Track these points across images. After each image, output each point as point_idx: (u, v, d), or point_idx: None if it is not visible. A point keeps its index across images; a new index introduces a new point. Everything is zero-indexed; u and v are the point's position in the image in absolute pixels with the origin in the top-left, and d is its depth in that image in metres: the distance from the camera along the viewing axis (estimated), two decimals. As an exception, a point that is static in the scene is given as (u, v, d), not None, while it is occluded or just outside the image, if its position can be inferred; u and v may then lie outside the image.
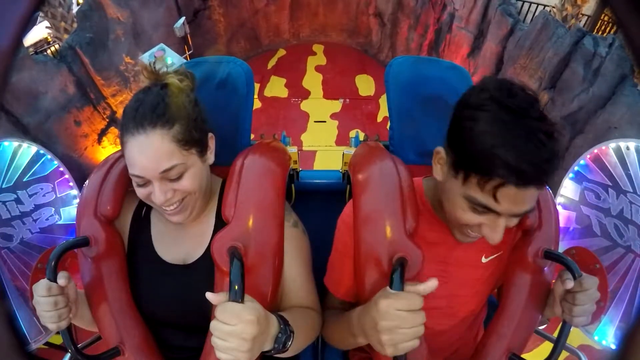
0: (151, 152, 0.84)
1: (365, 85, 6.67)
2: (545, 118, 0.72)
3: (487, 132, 0.72)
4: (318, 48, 7.29)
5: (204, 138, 0.94)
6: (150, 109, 0.85)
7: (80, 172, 3.66)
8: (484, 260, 0.96)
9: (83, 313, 0.93)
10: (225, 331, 0.67)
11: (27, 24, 0.34)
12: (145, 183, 0.87)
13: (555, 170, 0.72)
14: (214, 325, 0.69)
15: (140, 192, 0.89)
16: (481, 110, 0.74)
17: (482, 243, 0.93)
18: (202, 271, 0.94)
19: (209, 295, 0.71)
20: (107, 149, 4.65)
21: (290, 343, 0.79)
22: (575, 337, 2.81)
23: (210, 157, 0.96)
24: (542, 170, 0.71)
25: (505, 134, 0.70)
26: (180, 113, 0.88)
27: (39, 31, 5.63)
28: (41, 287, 0.80)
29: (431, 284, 0.72)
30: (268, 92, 6.51)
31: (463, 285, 0.97)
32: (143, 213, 1.02)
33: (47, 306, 0.80)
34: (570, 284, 0.82)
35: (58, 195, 2.92)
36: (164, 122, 0.85)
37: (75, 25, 4.53)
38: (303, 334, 0.87)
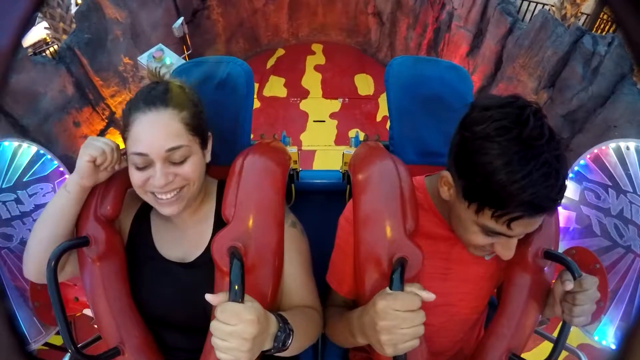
0: (161, 128, 0.86)
1: (364, 84, 6.66)
2: (554, 137, 0.72)
3: (501, 168, 0.71)
4: (317, 47, 7.29)
5: (206, 133, 0.96)
6: (163, 92, 0.90)
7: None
8: (487, 257, 0.97)
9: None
10: (225, 331, 0.67)
11: (27, 24, 0.34)
12: (146, 165, 0.86)
13: (565, 190, 0.73)
14: (214, 325, 0.69)
15: (137, 177, 0.88)
16: (490, 141, 0.73)
17: None
18: (202, 270, 0.94)
19: (208, 297, 0.71)
20: (106, 150, 4.64)
21: (290, 341, 0.79)
22: (575, 337, 2.81)
23: (208, 155, 0.97)
24: (557, 201, 0.73)
25: (520, 169, 0.70)
26: (189, 102, 0.92)
27: (38, 32, 5.63)
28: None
29: (427, 295, 0.73)
30: (267, 92, 6.50)
31: (465, 282, 0.97)
32: (144, 213, 1.03)
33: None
34: (570, 286, 0.82)
35: (58, 196, 2.91)
36: (175, 104, 0.89)
37: (74, 25, 4.52)
38: (303, 332, 0.87)
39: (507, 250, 0.82)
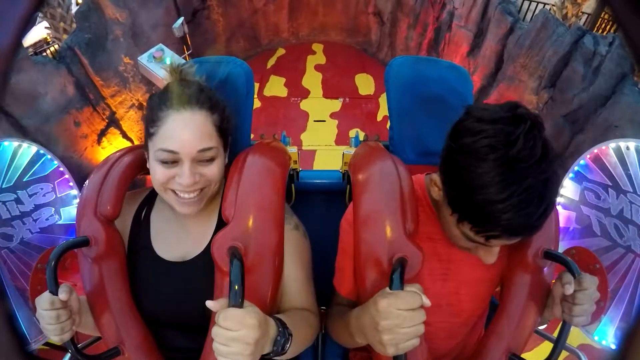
0: (195, 128, 0.87)
1: (364, 84, 6.66)
2: (546, 157, 0.69)
3: (482, 188, 0.71)
4: (317, 47, 7.28)
5: (229, 136, 0.99)
6: (197, 92, 0.91)
7: (80, 173, 3.66)
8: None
9: (87, 320, 0.93)
10: (228, 337, 0.68)
11: (27, 24, 0.34)
12: (174, 162, 0.87)
13: (548, 215, 0.72)
14: (215, 331, 0.69)
15: (161, 174, 0.88)
16: (476, 158, 0.71)
17: None
18: (200, 268, 0.94)
19: (209, 304, 0.71)
20: (106, 150, 4.65)
21: (288, 346, 0.79)
22: (575, 337, 2.81)
23: (226, 157, 0.99)
24: (535, 227, 0.73)
25: (499, 193, 0.69)
26: (220, 105, 0.94)
27: (38, 31, 5.63)
28: (44, 301, 0.80)
29: (425, 300, 0.73)
30: (267, 92, 6.50)
31: (466, 284, 0.97)
32: (143, 215, 1.02)
33: (50, 320, 0.80)
34: (570, 290, 0.82)
35: (58, 195, 2.92)
36: (209, 106, 0.90)
37: (74, 25, 4.52)
38: (301, 336, 0.87)
39: (489, 256, 0.83)
